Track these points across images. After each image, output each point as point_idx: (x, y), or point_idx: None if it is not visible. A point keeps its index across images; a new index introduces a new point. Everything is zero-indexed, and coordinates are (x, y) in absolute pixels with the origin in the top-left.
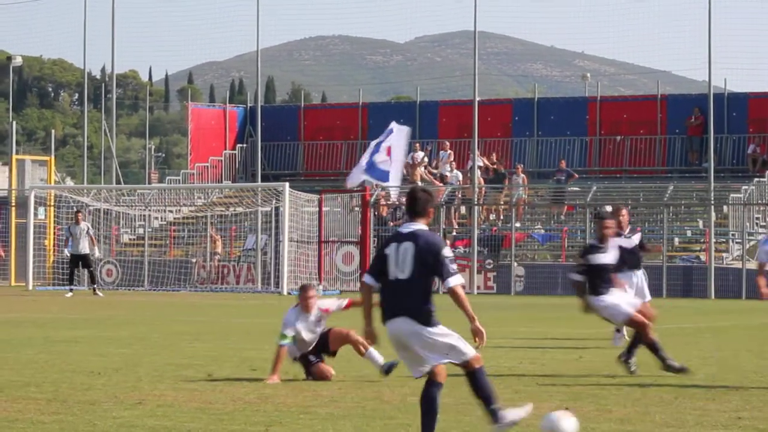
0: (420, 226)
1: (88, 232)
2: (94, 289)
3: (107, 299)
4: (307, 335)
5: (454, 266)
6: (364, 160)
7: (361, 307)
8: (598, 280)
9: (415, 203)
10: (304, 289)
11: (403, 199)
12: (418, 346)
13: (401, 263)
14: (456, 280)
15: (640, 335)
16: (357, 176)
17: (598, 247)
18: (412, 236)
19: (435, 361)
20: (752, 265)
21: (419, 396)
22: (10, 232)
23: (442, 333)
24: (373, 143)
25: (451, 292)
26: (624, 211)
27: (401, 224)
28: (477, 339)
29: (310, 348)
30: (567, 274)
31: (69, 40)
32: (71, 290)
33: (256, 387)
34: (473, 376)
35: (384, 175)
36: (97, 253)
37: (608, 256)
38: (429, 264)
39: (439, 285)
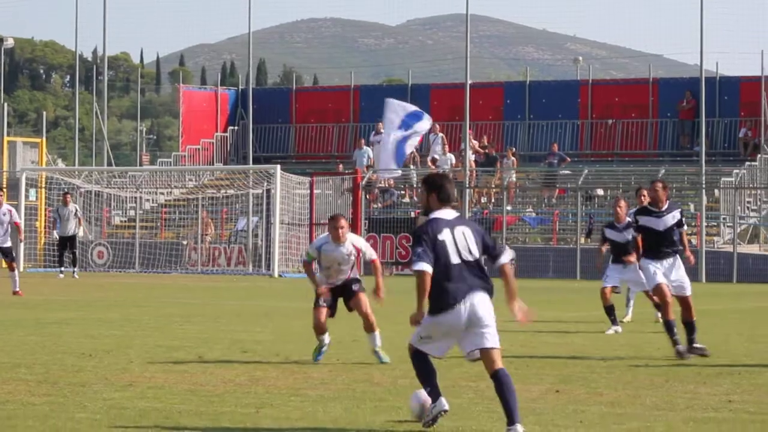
0: (455, 212)
1: (76, 214)
2: (73, 272)
3: (98, 281)
4: (333, 264)
5: (503, 245)
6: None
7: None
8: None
9: (450, 190)
10: (334, 219)
11: (391, 182)
12: (490, 321)
13: (465, 246)
14: (507, 256)
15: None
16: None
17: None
18: (464, 221)
19: (493, 342)
20: (743, 248)
21: (410, 377)
22: None
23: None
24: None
25: (504, 269)
26: (622, 202)
27: (432, 210)
28: (522, 316)
29: (336, 282)
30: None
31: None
32: (62, 272)
33: (246, 369)
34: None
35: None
36: (81, 234)
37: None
38: (488, 245)
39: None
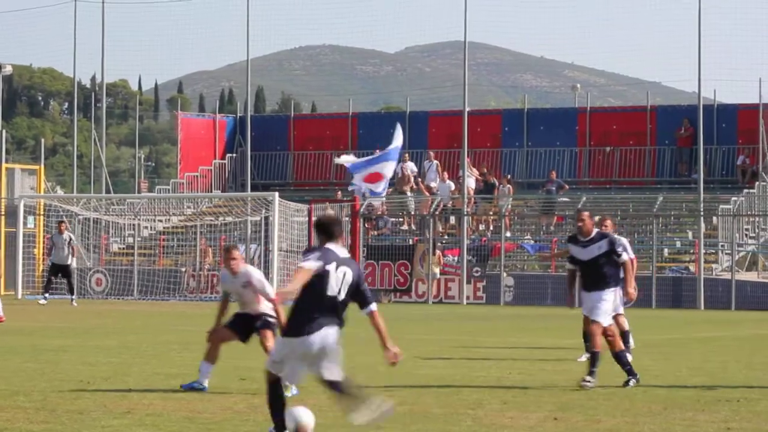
0: (345, 251)
1: (70, 243)
2: (72, 300)
3: (96, 308)
4: (234, 295)
5: (373, 295)
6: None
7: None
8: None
9: (336, 230)
10: (227, 250)
11: (384, 208)
12: (333, 356)
13: (341, 285)
14: (376, 305)
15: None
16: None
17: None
18: (350, 262)
19: (334, 375)
20: (741, 276)
21: (409, 404)
22: None
23: None
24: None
25: (374, 316)
26: (608, 222)
27: (322, 245)
28: (392, 358)
29: (249, 311)
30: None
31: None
32: (45, 298)
33: (245, 397)
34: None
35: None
36: (74, 264)
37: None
38: (361, 291)
39: None
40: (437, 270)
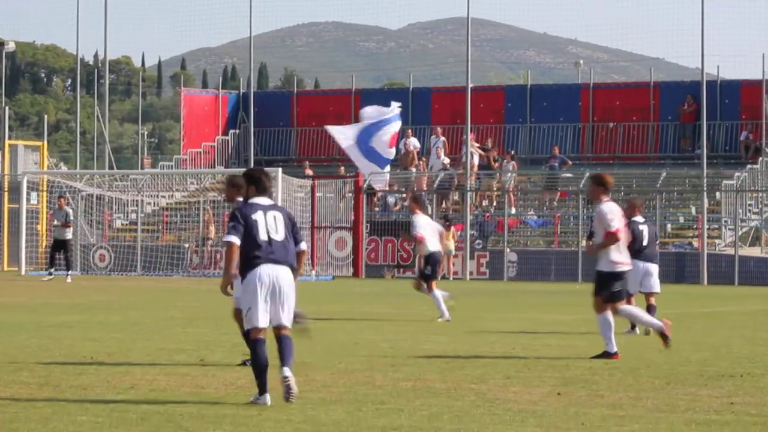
0: (270, 201)
1: (66, 218)
2: (66, 275)
3: (100, 284)
4: None
5: (302, 236)
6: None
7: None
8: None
9: (266, 182)
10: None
11: (387, 187)
12: (290, 296)
13: (274, 227)
14: (305, 245)
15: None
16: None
17: None
18: (278, 207)
19: (287, 317)
20: (744, 251)
21: (412, 380)
22: (2, 218)
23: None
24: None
25: (302, 253)
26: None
27: (250, 198)
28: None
29: None
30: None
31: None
32: (50, 273)
33: (248, 372)
34: (283, 340)
35: (382, 161)
36: (68, 236)
37: None
38: (294, 231)
39: None
40: (452, 246)
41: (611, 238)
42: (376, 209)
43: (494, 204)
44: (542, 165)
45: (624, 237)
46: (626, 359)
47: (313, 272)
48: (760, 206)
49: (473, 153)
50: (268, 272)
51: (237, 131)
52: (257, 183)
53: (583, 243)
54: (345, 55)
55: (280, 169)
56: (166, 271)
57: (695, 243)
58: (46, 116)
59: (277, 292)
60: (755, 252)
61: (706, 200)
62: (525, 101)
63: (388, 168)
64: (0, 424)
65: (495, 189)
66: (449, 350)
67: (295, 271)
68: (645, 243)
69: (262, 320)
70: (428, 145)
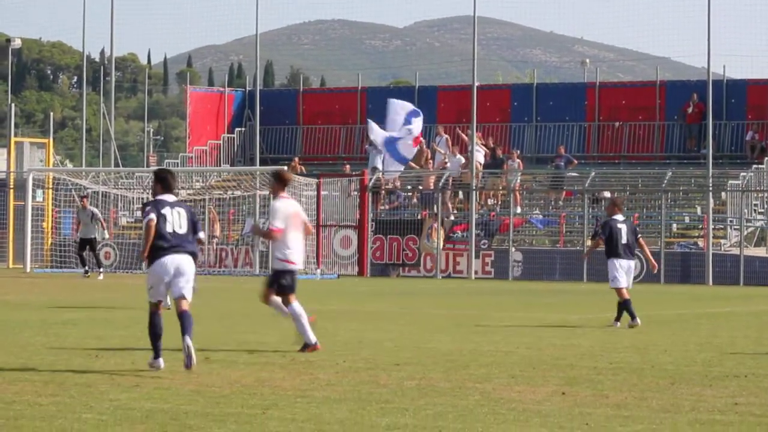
0: (175, 197)
1: (94, 217)
2: (99, 273)
3: (105, 282)
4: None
5: (200, 226)
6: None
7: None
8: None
9: (171, 181)
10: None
11: (398, 183)
12: (189, 276)
13: (178, 221)
14: (202, 234)
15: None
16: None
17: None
18: (182, 204)
19: (188, 291)
20: (750, 251)
21: (416, 379)
22: (8, 215)
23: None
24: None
25: (199, 240)
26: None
27: (158, 195)
28: None
29: None
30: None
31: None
32: (87, 271)
33: (252, 370)
34: (183, 315)
35: (402, 159)
36: (106, 236)
37: None
38: (194, 225)
39: None
40: (440, 242)
41: (270, 234)
42: (382, 207)
43: (500, 203)
44: (548, 164)
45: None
46: (631, 359)
47: (318, 271)
48: (765, 206)
49: (478, 151)
50: (172, 260)
51: (243, 129)
52: (163, 182)
53: (588, 243)
54: (351, 53)
55: (285, 168)
56: None
57: (700, 243)
58: (52, 113)
59: (179, 275)
60: (761, 252)
61: (711, 200)
62: (531, 100)
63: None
64: (5, 422)
65: (500, 188)
66: (454, 349)
67: (195, 257)
68: (624, 241)
69: (163, 295)
70: (432, 144)
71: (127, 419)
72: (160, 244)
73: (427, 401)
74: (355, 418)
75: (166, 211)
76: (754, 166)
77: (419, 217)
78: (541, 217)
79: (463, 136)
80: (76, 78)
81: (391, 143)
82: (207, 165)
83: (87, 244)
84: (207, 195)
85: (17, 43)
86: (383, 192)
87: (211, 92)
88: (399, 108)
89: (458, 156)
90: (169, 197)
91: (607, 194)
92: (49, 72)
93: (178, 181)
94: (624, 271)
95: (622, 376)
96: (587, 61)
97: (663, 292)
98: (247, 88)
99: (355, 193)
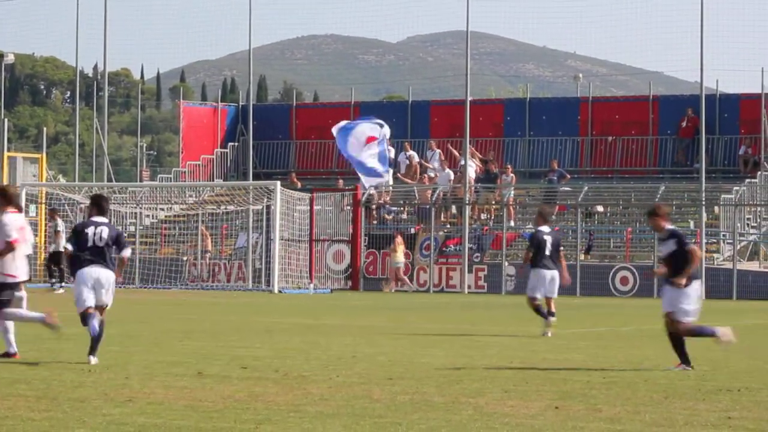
0: (105, 219)
1: (56, 230)
2: (59, 287)
3: None
4: None
5: (127, 244)
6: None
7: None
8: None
9: (104, 205)
10: None
11: (388, 198)
12: (109, 287)
13: (100, 237)
14: (128, 252)
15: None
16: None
17: None
18: (106, 224)
19: (108, 300)
20: (743, 265)
21: (410, 394)
22: None
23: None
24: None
25: (123, 258)
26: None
27: (91, 216)
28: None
29: None
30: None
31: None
32: (61, 286)
33: (246, 385)
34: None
35: (373, 172)
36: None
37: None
38: (118, 241)
39: None
40: (401, 259)
41: (8, 247)
42: (374, 222)
43: (492, 217)
44: (541, 178)
45: (17, 247)
46: (624, 373)
47: (311, 285)
48: (758, 220)
49: (470, 165)
50: (92, 271)
51: (236, 144)
52: (98, 206)
53: (581, 257)
54: (344, 68)
55: (278, 182)
56: (165, 284)
57: None
58: (45, 128)
59: (99, 285)
60: (754, 266)
61: (704, 214)
62: (524, 115)
63: (389, 178)
64: None
65: (494, 202)
66: (447, 363)
67: (113, 270)
68: (548, 252)
69: (89, 302)
70: (426, 158)
71: None
72: (83, 257)
73: (421, 416)
74: None
75: (89, 230)
76: (747, 180)
77: (412, 231)
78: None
79: (455, 152)
80: (69, 93)
81: (359, 165)
82: (200, 180)
83: (56, 256)
84: (200, 210)
85: (10, 58)
86: (373, 207)
87: (204, 107)
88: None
89: (447, 171)
90: (99, 219)
91: (600, 208)
92: (42, 87)
93: (109, 205)
94: (547, 281)
95: (616, 390)
96: (580, 75)
97: (656, 306)
98: (241, 103)
99: (348, 207)
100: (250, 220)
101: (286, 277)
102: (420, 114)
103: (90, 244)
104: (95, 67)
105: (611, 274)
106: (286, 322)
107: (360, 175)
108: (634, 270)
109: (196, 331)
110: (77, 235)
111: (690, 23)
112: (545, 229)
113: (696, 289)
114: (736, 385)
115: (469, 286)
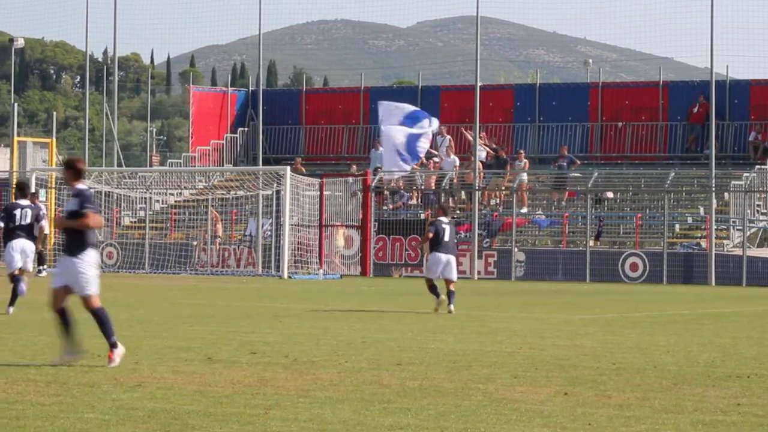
0: (28, 201)
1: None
2: (41, 269)
3: (107, 281)
4: None
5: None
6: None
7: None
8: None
9: (26, 191)
10: None
11: (401, 184)
12: (30, 255)
13: (24, 218)
14: (44, 225)
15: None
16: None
17: None
18: (33, 207)
19: (29, 266)
20: (752, 252)
21: (419, 380)
22: None
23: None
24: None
25: (41, 229)
26: None
27: (16, 199)
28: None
29: None
30: None
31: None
32: (41, 269)
33: (255, 370)
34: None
35: (417, 157)
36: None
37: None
38: (36, 219)
39: None
40: (341, 243)
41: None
42: (384, 207)
43: (502, 203)
44: (551, 164)
45: None
46: (633, 359)
47: (321, 271)
48: None
49: (480, 150)
50: (18, 243)
51: (246, 129)
52: (21, 191)
53: (591, 243)
54: (354, 53)
55: (288, 167)
56: (174, 269)
57: (703, 243)
58: (54, 113)
59: (24, 254)
60: (763, 253)
61: (714, 200)
62: (534, 100)
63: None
64: (7, 422)
65: (503, 188)
66: (456, 349)
67: (35, 240)
68: (446, 239)
69: (17, 265)
70: (437, 144)
71: (130, 419)
72: (11, 233)
73: (430, 401)
74: (358, 419)
75: (17, 211)
76: (757, 166)
77: (422, 216)
78: (543, 217)
79: (468, 135)
80: (79, 78)
81: (412, 141)
82: (210, 165)
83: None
84: (210, 195)
85: (20, 43)
86: (387, 192)
87: (214, 92)
88: (393, 108)
89: (452, 157)
90: (23, 201)
91: (610, 194)
92: (52, 72)
93: (29, 189)
94: (443, 263)
95: (625, 377)
96: (590, 61)
97: (665, 292)
98: (250, 88)
99: (359, 192)
100: (260, 206)
101: (296, 263)
102: (430, 99)
103: (17, 222)
104: (105, 52)
105: (621, 260)
106: (296, 307)
107: (388, 154)
108: (644, 256)
109: (205, 317)
110: (8, 215)
111: (700, 9)
112: (444, 219)
113: None
114: (746, 372)
115: (478, 272)
